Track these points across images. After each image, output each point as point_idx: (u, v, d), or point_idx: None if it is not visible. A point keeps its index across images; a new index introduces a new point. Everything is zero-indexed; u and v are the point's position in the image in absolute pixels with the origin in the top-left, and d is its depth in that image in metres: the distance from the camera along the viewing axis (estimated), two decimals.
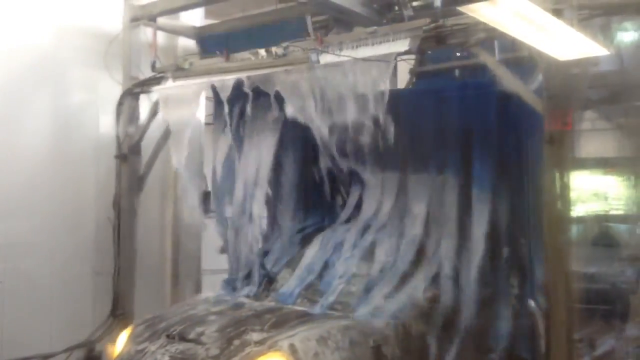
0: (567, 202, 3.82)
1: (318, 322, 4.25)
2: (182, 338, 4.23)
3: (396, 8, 5.49)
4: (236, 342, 4.01)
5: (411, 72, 6.76)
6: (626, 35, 4.03)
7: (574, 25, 3.52)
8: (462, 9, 3.20)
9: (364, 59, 4.60)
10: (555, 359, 3.79)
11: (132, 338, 4.57)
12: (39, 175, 6.05)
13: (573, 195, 3.84)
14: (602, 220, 6.28)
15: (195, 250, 7.16)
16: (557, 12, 3.44)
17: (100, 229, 6.49)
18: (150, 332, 4.48)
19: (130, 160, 6.39)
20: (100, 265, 6.42)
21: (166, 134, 6.27)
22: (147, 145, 6.55)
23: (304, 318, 4.34)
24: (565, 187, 3.80)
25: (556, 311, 3.79)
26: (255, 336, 4.03)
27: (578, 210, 5.64)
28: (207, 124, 6.76)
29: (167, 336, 4.31)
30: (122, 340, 4.65)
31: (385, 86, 4.54)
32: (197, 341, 4.14)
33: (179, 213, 7.05)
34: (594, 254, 5.91)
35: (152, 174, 6.62)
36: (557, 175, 3.80)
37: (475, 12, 3.20)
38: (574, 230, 3.89)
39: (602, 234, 6.21)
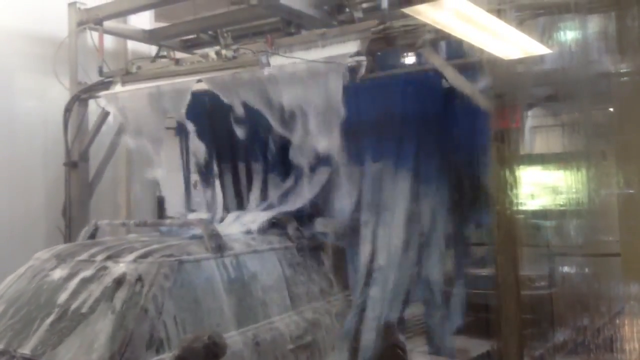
0: (515, 199, 3.89)
1: None
2: None
3: (347, 10, 5.54)
4: None
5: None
6: (568, 34, 4.14)
7: (517, 25, 3.59)
8: (407, 10, 3.22)
9: (316, 61, 4.58)
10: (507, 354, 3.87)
11: None
12: None
13: (520, 191, 3.91)
14: (542, 216, 6.21)
15: None
16: (500, 13, 3.50)
17: (51, 239, 6.28)
18: None
19: (80, 167, 6.25)
20: None
21: (116, 140, 6.14)
22: (98, 151, 6.42)
23: None
24: (512, 184, 3.87)
25: (507, 308, 3.86)
26: None
27: (526, 206, 5.66)
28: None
29: None
30: None
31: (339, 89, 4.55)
32: None
33: (133, 219, 6.91)
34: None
35: (103, 180, 6.49)
36: (505, 172, 3.87)
37: (420, 14, 3.23)
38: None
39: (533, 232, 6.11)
